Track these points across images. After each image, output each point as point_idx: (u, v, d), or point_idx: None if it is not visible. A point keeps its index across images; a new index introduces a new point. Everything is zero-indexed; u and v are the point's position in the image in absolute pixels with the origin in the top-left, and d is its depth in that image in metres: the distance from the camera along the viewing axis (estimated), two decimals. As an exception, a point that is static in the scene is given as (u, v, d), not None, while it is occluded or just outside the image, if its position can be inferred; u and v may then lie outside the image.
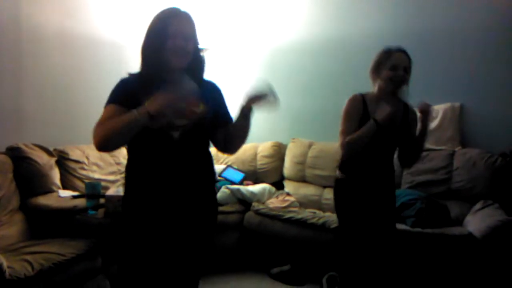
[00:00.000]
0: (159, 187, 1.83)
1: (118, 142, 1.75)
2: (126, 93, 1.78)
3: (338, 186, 2.57)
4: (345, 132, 2.43)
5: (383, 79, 2.43)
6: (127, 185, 1.91)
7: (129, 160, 1.90)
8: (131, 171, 1.89)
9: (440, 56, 3.87)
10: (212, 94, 1.93)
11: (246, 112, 1.83)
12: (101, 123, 1.72)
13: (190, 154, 1.85)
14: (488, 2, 3.70)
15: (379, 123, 2.35)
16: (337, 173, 2.57)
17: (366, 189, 2.48)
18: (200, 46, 1.88)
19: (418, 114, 2.44)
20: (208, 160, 1.95)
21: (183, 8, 1.84)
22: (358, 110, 2.45)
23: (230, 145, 1.96)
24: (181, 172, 1.83)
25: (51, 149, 3.56)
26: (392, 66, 2.39)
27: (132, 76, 1.85)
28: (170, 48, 1.76)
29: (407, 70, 2.42)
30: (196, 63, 1.87)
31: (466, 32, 3.75)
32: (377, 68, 2.46)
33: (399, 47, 2.45)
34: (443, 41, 3.86)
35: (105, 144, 1.72)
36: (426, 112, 2.41)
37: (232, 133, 1.91)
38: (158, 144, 1.80)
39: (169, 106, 1.66)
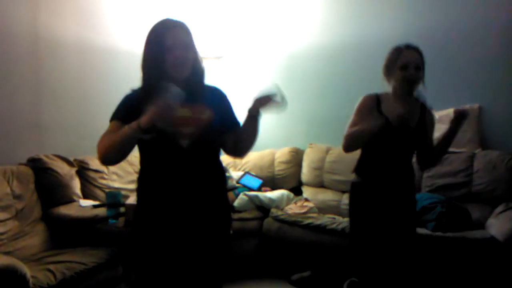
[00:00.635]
0: (171, 196, 1.84)
1: (117, 156, 1.79)
2: (128, 109, 1.81)
3: (354, 189, 2.53)
4: (352, 125, 2.41)
5: (396, 80, 2.36)
6: (139, 195, 1.94)
7: (141, 170, 1.93)
8: (143, 180, 1.92)
9: (458, 57, 3.82)
10: (217, 100, 1.93)
11: (253, 114, 1.83)
12: (102, 139, 1.78)
13: (200, 162, 1.86)
14: (505, 0, 3.66)
15: (389, 121, 2.32)
16: (354, 176, 2.53)
17: (383, 193, 2.43)
18: (199, 54, 1.87)
19: (452, 116, 2.38)
20: (219, 168, 1.96)
21: (187, 17, 1.84)
22: (370, 108, 2.41)
23: (239, 149, 1.96)
24: (191, 180, 1.84)
25: (71, 159, 3.61)
26: (403, 65, 2.31)
27: (134, 91, 1.88)
28: (170, 61, 1.77)
29: (419, 67, 2.33)
30: (196, 71, 1.87)
31: (483, 32, 3.71)
32: (389, 68, 2.39)
33: (408, 44, 2.37)
34: (460, 42, 3.82)
35: (104, 159, 1.80)
36: (461, 118, 2.35)
37: (240, 137, 1.91)
38: (167, 153, 1.82)
39: (158, 117, 1.64)
